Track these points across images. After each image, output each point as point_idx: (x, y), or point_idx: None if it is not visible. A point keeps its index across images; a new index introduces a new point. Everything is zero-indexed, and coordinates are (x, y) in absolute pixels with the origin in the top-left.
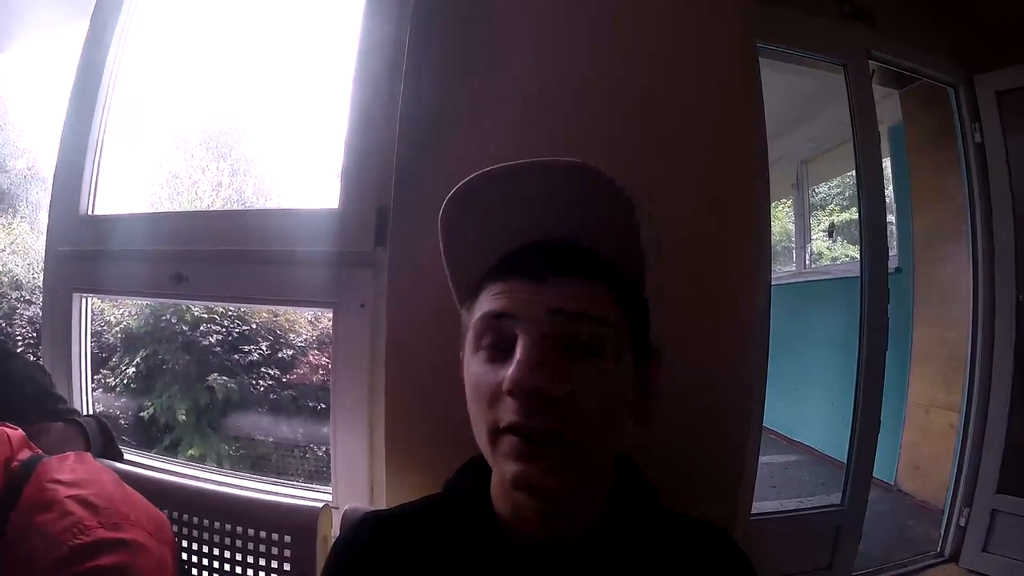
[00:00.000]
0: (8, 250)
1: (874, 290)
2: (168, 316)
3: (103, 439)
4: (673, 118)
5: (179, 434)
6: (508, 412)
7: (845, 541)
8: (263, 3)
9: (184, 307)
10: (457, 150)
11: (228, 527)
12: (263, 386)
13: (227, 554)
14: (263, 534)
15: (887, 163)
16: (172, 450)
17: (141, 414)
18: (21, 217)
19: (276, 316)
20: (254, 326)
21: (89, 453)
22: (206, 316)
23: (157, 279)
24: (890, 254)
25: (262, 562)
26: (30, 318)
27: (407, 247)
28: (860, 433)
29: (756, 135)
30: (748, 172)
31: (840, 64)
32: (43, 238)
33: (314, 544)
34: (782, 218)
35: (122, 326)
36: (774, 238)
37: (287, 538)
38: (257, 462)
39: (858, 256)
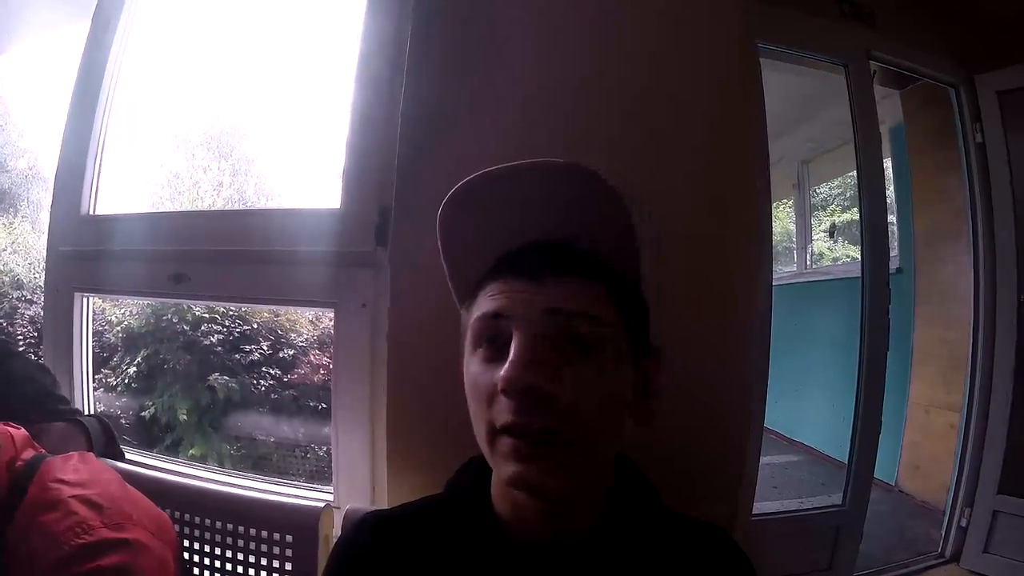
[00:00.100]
0: (9, 250)
1: (875, 290)
2: (169, 316)
3: (105, 439)
4: (673, 118)
5: (180, 434)
6: (504, 412)
7: (846, 541)
8: (264, 3)
9: (185, 307)
10: (458, 150)
11: (230, 527)
12: (264, 386)
13: (229, 554)
14: (265, 534)
15: (888, 163)
16: (173, 450)
17: (142, 414)
18: (22, 217)
19: (277, 316)
20: (255, 326)
21: (92, 453)
22: (207, 316)
23: (158, 279)
24: (891, 254)
25: (264, 562)
26: (31, 318)
27: (408, 247)
28: (861, 433)
29: (756, 135)
30: (748, 172)
31: (840, 64)
32: (44, 238)
33: (316, 544)
34: (783, 218)
35: (123, 326)
36: (775, 238)
37: (289, 538)
38: (258, 462)
39: (859, 256)
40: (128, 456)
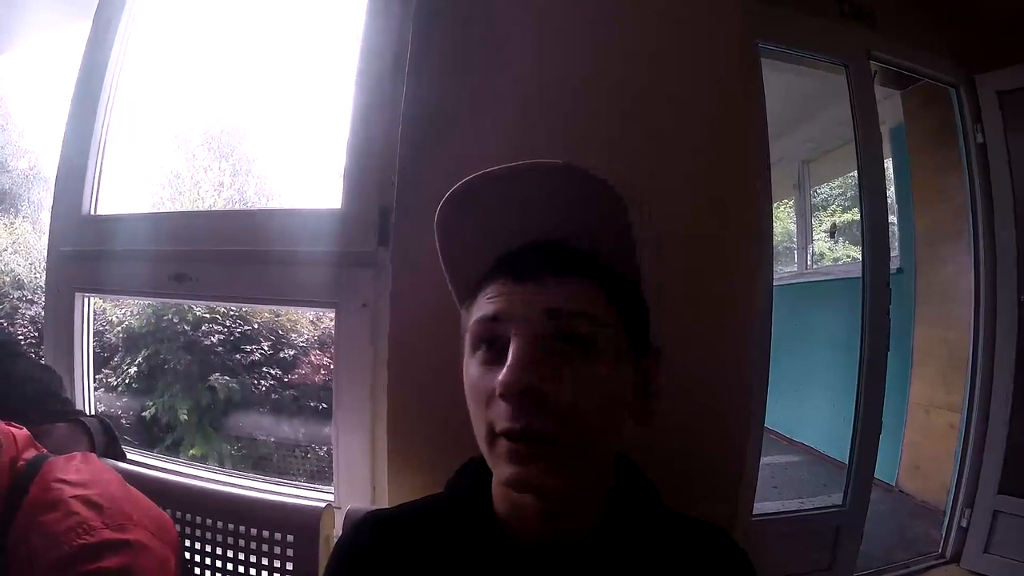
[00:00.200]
0: (10, 250)
1: (875, 290)
2: (170, 316)
3: (107, 439)
4: (673, 118)
5: (181, 434)
6: (502, 416)
7: (846, 542)
8: (265, 4)
9: (186, 307)
10: (458, 150)
11: (231, 527)
12: (265, 386)
13: (230, 554)
14: (266, 534)
15: (889, 163)
16: (174, 450)
17: (143, 414)
18: (23, 217)
19: (278, 316)
20: (256, 326)
21: (94, 453)
22: (208, 316)
23: (159, 279)
24: (891, 254)
25: (265, 562)
26: (32, 318)
27: (409, 247)
28: (861, 433)
29: (757, 135)
30: (748, 172)
31: (841, 64)
32: (45, 238)
33: (317, 544)
34: (784, 219)
35: (124, 326)
36: (776, 239)
37: (290, 538)
38: (259, 462)
39: (859, 256)
40: (129, 456)
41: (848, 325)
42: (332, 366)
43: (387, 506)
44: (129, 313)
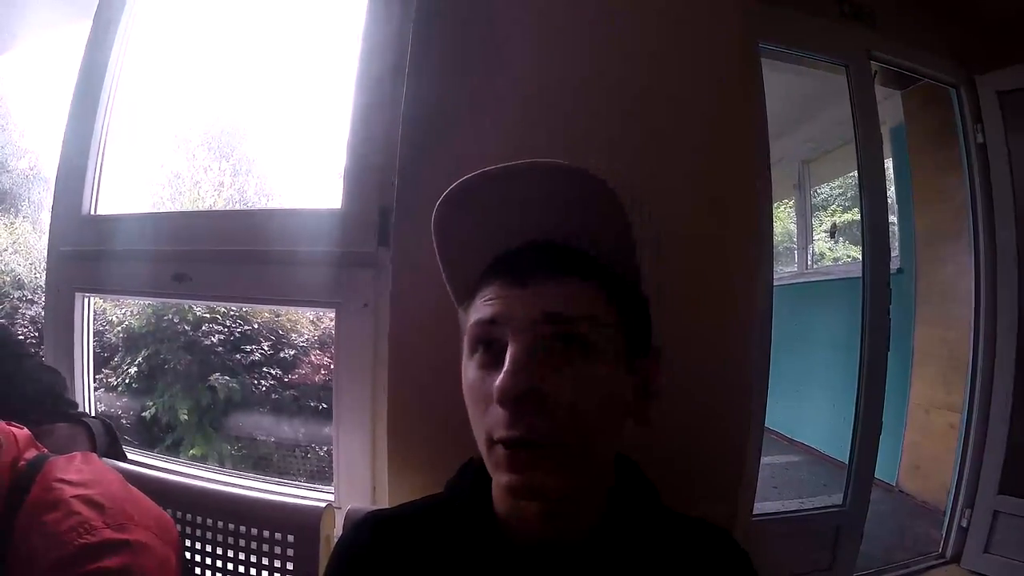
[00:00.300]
0: (10, 250)
1: (876, 290)
2: (170, 316)
3: (107, 440)
4: (673, 118)
5: (181, 434)
6: (500, 424)
7: (846, 542)
8: (265, 4)
9: (186, 307)
10: (458, 150)
11: (231, 527)
12: (265, 386)
13: (230, 554)
14: (266, 534)
15: (889, 163)
16: (174, 450)
17: (143, 414)
18: (23, 217)
19: (278, 316)
20: (256, 326)
21: (95, 454)
22: (208, 316)
23: (159, 279)
24: (892, 254)
25: (265, 562)
26: (32, 318)
27: (409, 247)
28: (861, 433)
29: (757, 135)
30: (749, 172)
31: (841, 64)
32: (45, 238)
33: (317, 544)
34: (784, 219)
35: (124, 326)
36: (776, 239)
37: (290, 538)
38: (259, 462)
39: (860, 256)
40: (129, 456)
41: (848, 325)
42: (332, 366)
43: (387, 506)
44: (129, 313)
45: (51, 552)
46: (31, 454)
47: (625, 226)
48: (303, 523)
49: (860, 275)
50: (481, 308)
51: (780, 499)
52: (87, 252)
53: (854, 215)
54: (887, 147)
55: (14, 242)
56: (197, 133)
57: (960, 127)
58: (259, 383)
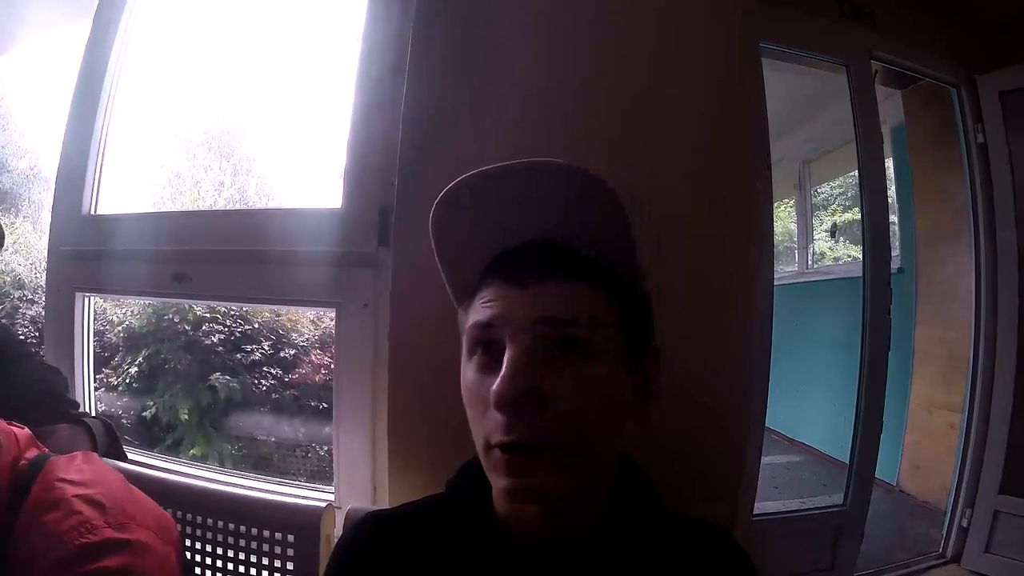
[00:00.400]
0: (11, 250)
1: (876, 290)
2: (170, 316)
3: (108, 439)
4: (673, 118)
5: (181, 433)
6: (497, 427)
7: (847, 542)
8: (266, 4)
9: (186, 307)
10: (458, 150)
11: (231, 527)
12: (265, 386)
13: (230, 554)
14: (266, 534)
15: (889, 163)
16: (174, 449)
17: (143, 413)
18: (24, 217)
19: (278, 316)
20: (256, 325)
21: (96, 453)
22: (208, 316)
23: (159, 279)
24: (892, 254)
25: (265, 561)
26: (32, 317)
27: (409, 247)
28: (862, 433)
29: (757, 135)
30: (749, 172)
31: (842, 64)
32: (46, 238)
33: (317, 544)
34: (784, 218)
35: (124, 325)
36: (776, 238)
37: (290, 538)
38: (259, 462)
39: (860, 256)
40: (129, 456)
41: (849, 325)
42: (332, 366)
43: (387, 506)
44: (129, 313)
45: (52, 552)
46: (32, 454)
47: (625, 226)
48: (303, 523)
49: (861, 275)
50: (479, 309)
51: (781, 499)
52: (87, 252)
53: (854, 215)
54: (888, 147)
55: (14, 242)
56: (197, 133)
57: (961, 127)
58: (259, 383)
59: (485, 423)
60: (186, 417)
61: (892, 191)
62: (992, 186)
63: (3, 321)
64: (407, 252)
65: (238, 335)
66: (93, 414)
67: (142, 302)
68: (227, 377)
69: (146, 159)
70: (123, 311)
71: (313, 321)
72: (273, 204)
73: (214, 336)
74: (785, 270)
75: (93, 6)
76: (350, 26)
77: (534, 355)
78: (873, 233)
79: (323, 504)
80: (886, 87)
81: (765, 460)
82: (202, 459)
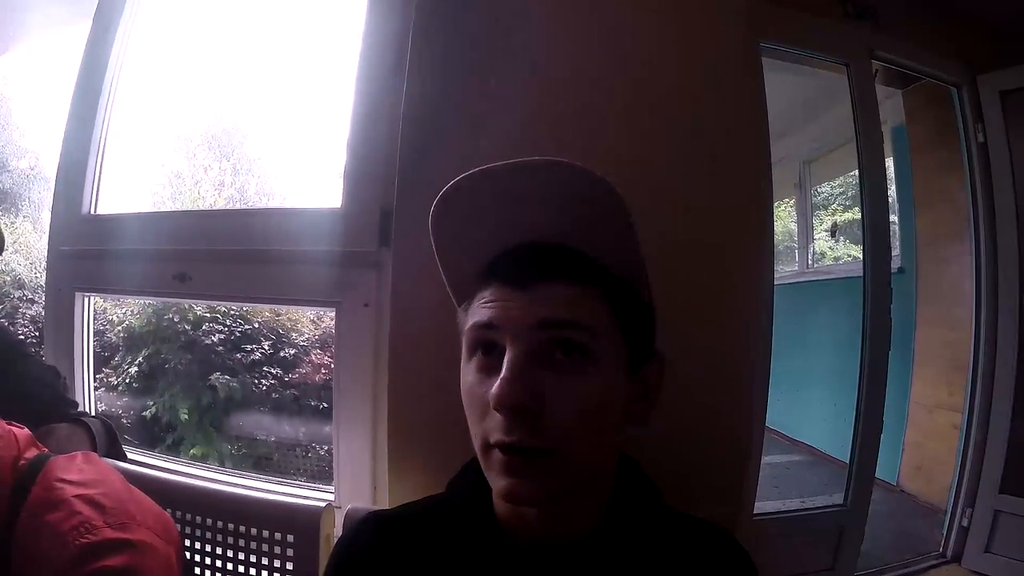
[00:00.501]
0: (11, 249)
1: (877, 290)
2: (171, 315)
3: (107, 439)
4: (674, 118)
5: (181, 433)
6: (496, 429)
7: (847, 541)
8: (266, 3)
9: (186, 306)
10: (459, 150)
11: (231, 527)
12: (265, 385)
13: (230, 553)
14: (266, 533)
15: (890, 163)
16: (174, 449)
17: (143, 413)
18: (24, 216)
19: (278, 315)
20: (256, 325)
21: (96, 453)
22: (208, 315)
23: (160, 278)
24: (893, 254)
25: (265, 561)
26: (32, 317)
27: (410, 247)
28: (863, 433)
29: (758, 135)
30: (750, 173)
31: (842, 64)
32: (45, 237)
33: (317, 543)
34: (784, 218)
35: (125, 325)
36: (776, 238)
37: (290, 538)
38: (259, 461)
39: (860, 256)
40: (129, 456)
41: (849, 325)
42: (333, 366)
43: (388, 506)
44: (130, 312)
45: (53, 552)
46: (31, 454)
47: (627, 227)
48: (303, 523)
49: (861, 274)
50: (479, 311)
51: (781, 499)
52: (87, 252)
53: (855, 214)
54: (888, 146)
55: (14, 242)
56: (198, 132)
57: (961, 126)
58: (259, 382)
59: (484, 424)
60: (186, 417)
61: (892, 191)
62: (992, 186)
63: (2, 321)
64: (407, 252)
65: (238, 335)
66: (93, 414)
67: (142, 302)
68: (227, 377)
69: (146, 159)
70: (123, 311)
71: (313, 321)
72: (273, 204)
73: (214, 336)
74: (785, 270)
75: (93, 6)
76: (350, 26)
77: (534, 358)
78: (873, 233)
79: (323, 504)
80: (886, 87)
81: (765, 460)
82: (202, 459)
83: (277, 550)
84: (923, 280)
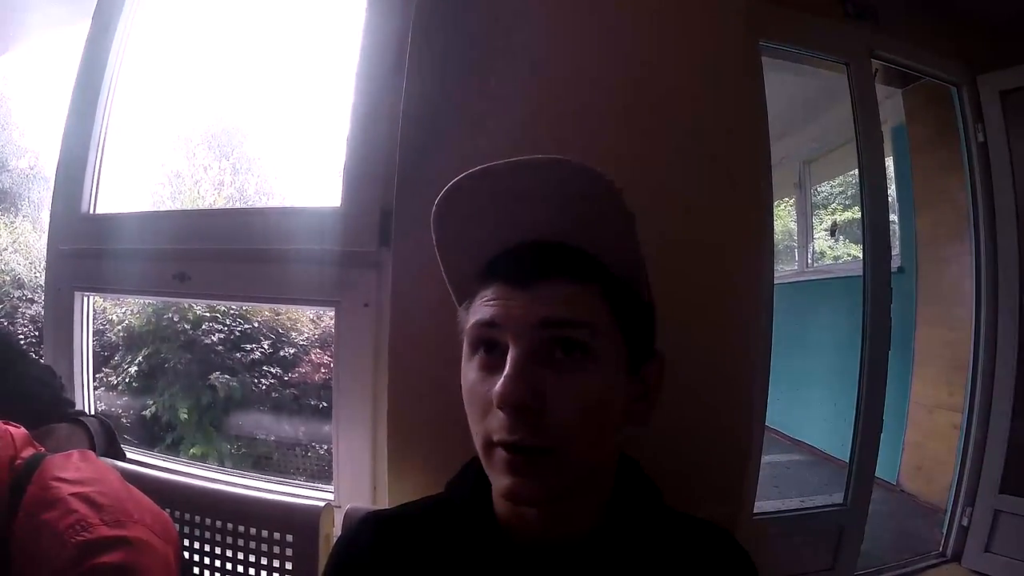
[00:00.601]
0: (10, 249)
1: (877, 290)
2: (170, 315)
3: (106, 439)
4: (674, 118)
5: (181, 433)
6: (499, 427)
7: (847, 541)
8: (266, 4)
9: (186, 306)
10: (458, 150)
11: (231, 526)
12: (265, 385)
13: (229, 553)
14: (265, 533)
15: (890, 162)
16: (174, 449)
17: (143, 413)
18: (23, 216)
19: (278, 315)
20: (256, 324)
21: (93, 452)
22: (208, 315)
23: (159, 278)
24: (893, 254)
25: (264, 561)
26: (32, 317)
27: (410, 247)
28: (863, 433)
29: (758, 135)
30: (750, 173)
31: (842, 63)
32: (45, 237)
33: (316, 543)
34: (784, 217)
35: (124, 325)
36: (776, 237)
37: (289, 537)
38: (259, 461)
39: (860, 255)
40: (129, 455)
41: (849, 324)
42: (333, 365)
43: (387, 506)
44: (129, 312)
45: (51, 551)
46: (28, 453)
47: (628, 226)
48: (303, 522)
49: (861, 274)
50: (480, 309)
51: (781, 498)
52: (87, 251)
53: (854, 213)
54: (888, 146)
55: (14, 241)
56: (197, 132)
57: (961, 126)
58: (259, 382)
59: (486, 422)
60: (186, 416)
61: (892, 190)
62: (992, 186)
63: (2, 321)
64: (407, 252)
65: (238, 334)
66: (91, 413)
67: (142, 301)
68: (227, 376)
69: (146, 158)
70: (123, 310)
71: (313, 320)
72: (273, 203)
73: (214, 335)
74: (785, 269)
75: (92, 5)
76: (350, 26)
77: (536, 356)
78: (873, 232)
79: (322, 503)
80: (886, 86)
81: (765, 460)
82: (202, 458)
83: (276, 550)
84: (923, 280)
